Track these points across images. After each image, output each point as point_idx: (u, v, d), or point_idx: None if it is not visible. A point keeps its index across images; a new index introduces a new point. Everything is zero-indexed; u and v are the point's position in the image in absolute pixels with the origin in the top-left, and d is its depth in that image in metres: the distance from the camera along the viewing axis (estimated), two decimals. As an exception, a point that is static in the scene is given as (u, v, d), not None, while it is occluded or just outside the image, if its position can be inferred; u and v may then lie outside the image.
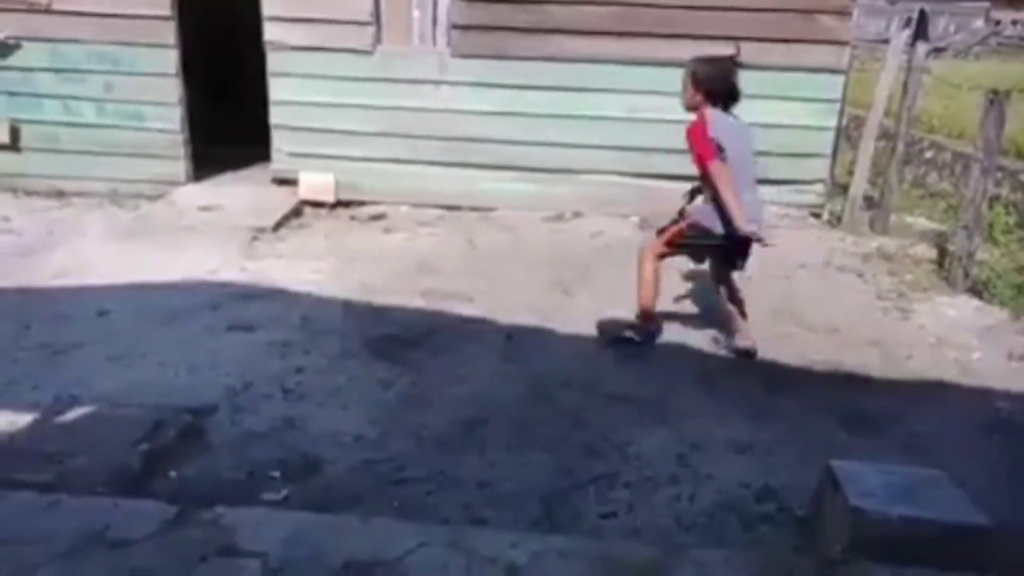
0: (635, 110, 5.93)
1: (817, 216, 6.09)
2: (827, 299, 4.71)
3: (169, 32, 5.89)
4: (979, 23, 16.45)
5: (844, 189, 6.16)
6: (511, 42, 5.87)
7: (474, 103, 5.98)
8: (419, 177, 6.10)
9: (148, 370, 3.55)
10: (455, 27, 5.88)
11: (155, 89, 6.00)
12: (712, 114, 3.60)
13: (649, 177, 6.06)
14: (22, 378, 3.41)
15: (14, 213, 5.71)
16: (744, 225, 3.53)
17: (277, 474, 2.87)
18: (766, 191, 6.05)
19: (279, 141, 6.14)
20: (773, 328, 4.26)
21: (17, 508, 2.45)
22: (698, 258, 3.99)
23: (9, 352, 3.65)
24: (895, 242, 5.62)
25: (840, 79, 5.85)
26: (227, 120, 6.43)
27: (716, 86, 3.61)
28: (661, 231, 3.87)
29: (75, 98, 6.06)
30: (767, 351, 3.95)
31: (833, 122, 5.94)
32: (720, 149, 3.52)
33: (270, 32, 5.91)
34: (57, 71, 6.00)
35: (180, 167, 6.22)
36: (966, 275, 4.87)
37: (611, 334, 3.97)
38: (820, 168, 6.04)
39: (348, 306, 4.35)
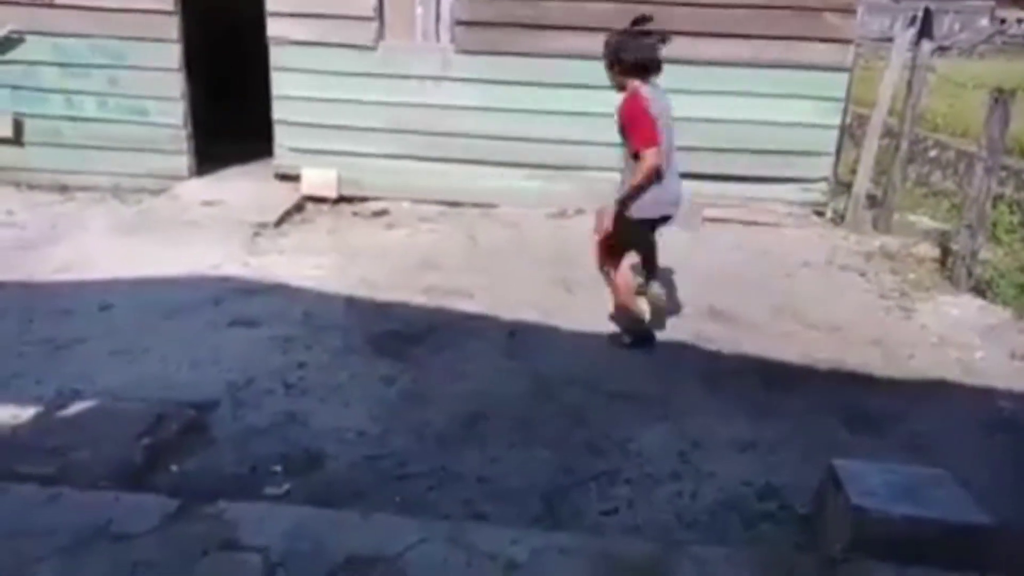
0: (638, 107, 5.91)
1: (820, 214, 6.08)
2: (830, 298, 4.70)
3: (172, 27, 5.89)
4: (984, 22, 16.38)
5: (847, 187, 6.14)
6: (514, 38, 5.86)
7: (477, 99, 5.97)
8: (421, 173, 6.10)
9: (150, 365, 3.56)
10: (458, 23, 5.87)
11: (158, 84, 6.00)
12: (646, 89, 3.48)
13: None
14: (25, 372, 3.42)
15: (17, 207, 5.71)
16: (635, 213, 3.55)
17: (279, 469, 2.88)
18: (770, 188, 6.13)
19: (281, 136, 6.14)
20: (776, 326, 4.25)
21: (19, 501, 2.46)
22: (643, 247, 3.85)
23: (12, 346, 3.65)
24: (898, 241, 5.60)
25: (844, 77, 5.83)
26: (230, 115, 6.43)
27: (644, 55, 3.44)
28: (602, 234, 3.74)
29: (78, 92, 6.06)
30: (769, 350, 3.95)
31: (837, 120, 5.93)
32: (657, 130, 3.42)
33: (273, 27, 5.90)
34: (60, 65, 6.00)
35: (183, 162, 6.22)
36: (969, 274, 4.86)
37: (614, 343, 3.95)
38: (823, 166, 6.02)
39: (350, 302, 4.35)
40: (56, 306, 4.06)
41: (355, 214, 5.99)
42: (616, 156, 6.00)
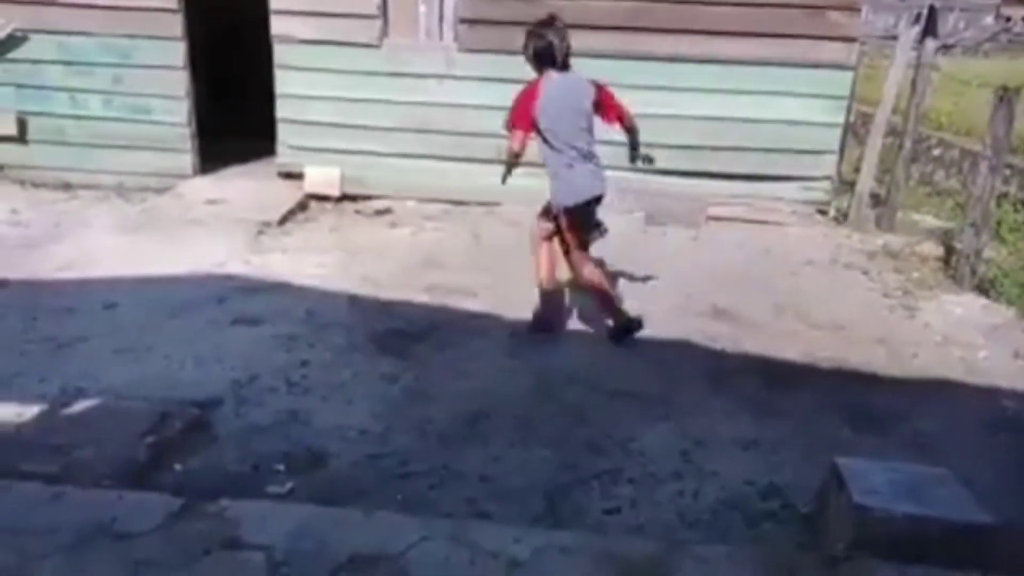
0: (641, 105, 5.87)
1: (824, 213, 6.06)
2: (833, 296, 4.69)
3: (176, 25, 5.89)
4: (989, 20, 16.32)
5: (851, 186, 6.12)
6: (517, 37, 5.81)
7: (480, 98, 5.95)
8: (425, 171, 6.10)
9: (154, 363, 3.57)
10: (462, 21, 5.86)
11: (162, 82, 6.01)
12: (546, 79, 3.61)
13: (654, 173, 6.02)
14: (29, 370, 3.43)
15: (22, 205, 5.73)
16: (560, 203, 3.66)
17: (282, 467, 2.88)
18: (774, 187, 6.11)
19: (285, 135, 6.14)
20: (779, 325, 4.25)
21: (23, 499, 2.46)
22: (590, 231, 3.91)
23: (16, 344, 3.66)
24: (902, 240, 5.59)
25: (848, 75, 5.81)
26: (232, 114, 6.43)
27: (538, 48, 3.62)
28: (561, 238, 3.87)
29: (82, 91, 6.06)
30: (772, 348, 3.94)
31: (841, 119, 5.91)
32: (533, 119, 3.56)
33: (277, 26, 5.90)
34: (65, 64, 6.01)
35: (187, 160, 6.23)
36: (973, 273, 4.85)
37: (614, 337, 3.96)
38: (827, 165, 6.00)
39: (353, 300, 4.35)
40: (60, 304, 4.07)
41: (358, 212, 6.00)
42: (620, 155, 6.05)
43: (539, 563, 2.25)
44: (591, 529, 2.58)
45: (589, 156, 3.73)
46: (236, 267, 4.76)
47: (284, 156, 6.22)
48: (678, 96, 5.84)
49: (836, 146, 5.97)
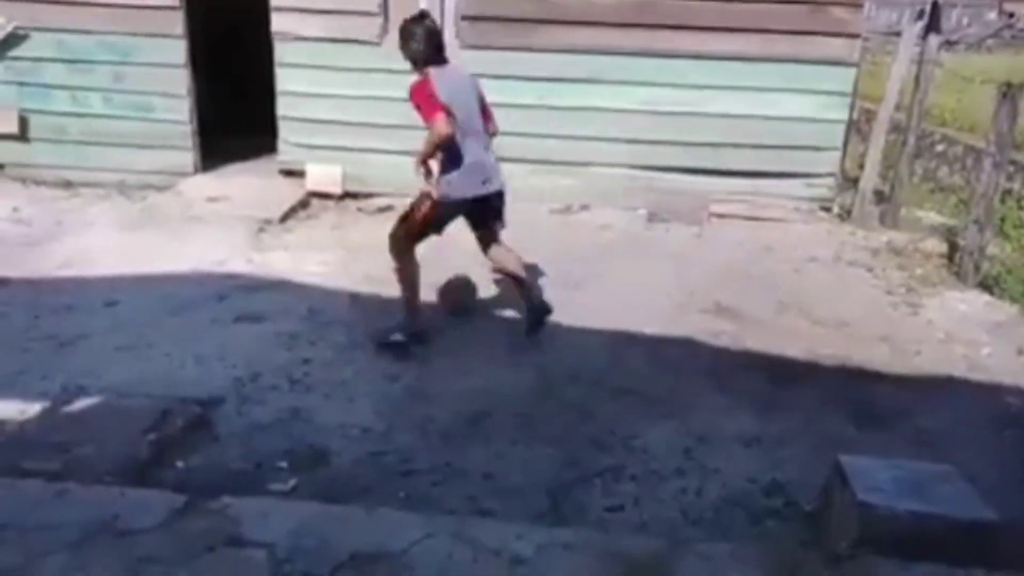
0: (644, 102, 5.90)
1: (827, 210, 6.04)
2: (836, 294, 4.68)
3: (177, 22, 5.88)
4: (992, 15, 16.28)
5: (854, 183, 6.11)
6: (519, 33, 5.84)
7: (481, 95, 5.95)
8: (426, 169, 6.08)
9: (155, 361, 3.56)
10: (463, 18, 5.85)
11: (163, 80, 6.00)
12: (432, 72, 3.53)
13: (657, 170, 6.03)
14: (31, 368, 3.43)
15: (23, 203, 5.73)
16: (435, 190, 3.54)
17: (284, 465, 2.88)
18: (776, 184, 6.10)
19: (286, 132, 6.13)
20: (782, 322, 4.23)
21: (26, 497, 2.46)
22: (440, 230, 3.79)
23: (18, 342, 3.66)
24: (905, 236, 5.56)
25: (851, 72, 5.79)
26: (233, 111, 6.42)
27: (421, 48, 3.53)
28: (404, 218, 3.70)
29: (83, 88, 6.06)
30: (776, 345, 3.93)
31: (844, 115, 5.89)
32: (445, 105, 3.45)
33: (278, 23, 5.89)
34: (66, 61, 6.01)
35: (188, 158, 6.22)
36: (976, 270, 4.83)
37: (379, 340, 3.74)
38: (830, 161, 5.99)
39: (355, 298, 4.35)
40: (61, 302, 4.07)
41: (360, 210, 5.99)
42: (623, 152, 6.06)
43: (542, 560, 2.24)
44: (594, 526, 2.57)
45: (488, 148, 3.67)
46: (237, 265, 4.76)
47: (285, 154, 6.21)
48: (681, 93, 5.83)
49: (839, 143, 5.95)
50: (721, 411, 3.34)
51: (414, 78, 3.58)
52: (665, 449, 3.05)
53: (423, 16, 3.60)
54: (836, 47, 5.71)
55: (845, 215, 5.97)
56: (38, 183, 6.16)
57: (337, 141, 6.03)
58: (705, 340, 3.99)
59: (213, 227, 5.31)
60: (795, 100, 5.77)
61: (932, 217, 6.04)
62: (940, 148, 7.74)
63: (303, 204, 5.96)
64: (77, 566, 2.18)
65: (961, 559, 2.25)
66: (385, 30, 5.91)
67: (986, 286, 4.77)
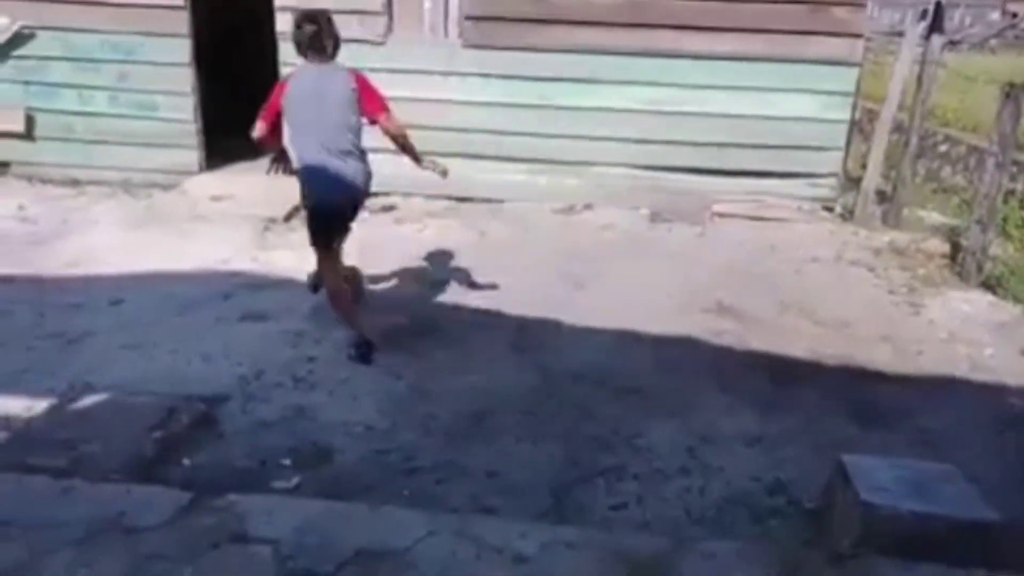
0: (646, 102, 5.90)
1: (829, 210, 6.04)
2: (838, 293, 4.68)
3: (182, 22, 5.90)
4: (995, 16, 16.24)
5: (857, 183, 6.11)
6: (522, 33, 5.84)
7: (485, 94, 5.96)
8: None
9: (161, 358, 3.58)
10: (467, 18, 5.86)
11: (169, 79, 6.02)
12: (300, 70, 3.48)
13: (660, 169, 6.03)
14: (37, 366, 3.44)
15: (29, 201, 5.75)
16: (305, 202, 3.46)
17: (288, 462, 2.89)
18: (779, 184, 6.09)
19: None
20: (784, 322, 4.24)
21: (32, 493, 2.48)
22: (329, 238, 3.63)
23: (25, 340, 3.68)
24: (907, 236, 5.56)
25: (854, 72, 5.79)
26: (234, 111, 6.42)
27: (295, 39, 3.47)
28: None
29: (89, 87, 6.08)
30: (778, 345, 3.93)
31: (846, 115, 5.89)
32: (278, 105, 3.42)
33: (282, 22, 5.90)
34: (72, 60, 6.03)
35: (193, 157, 6.24)
36: (979, 270, 4.83)
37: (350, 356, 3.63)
38: (832, 161, 5.99)
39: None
40: (67, 300, 4.09)
41: (363, 209, 5.98)
42: (626, 152, 6.06)
43: (545, 558, 2.26)
44: (597, 525, 2.58)
45: (347, 153, 3.46)
46: (242, 263, 4.77)
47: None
48: (683, 93, 5.83)
49: (842, 143, 5.95)
50: (723, 410, 3.34)
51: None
52: (668, 448, 3.06)
53: (314, 14, 3.47)
54: (838, 47, 5.71)
55: (847, 215, 5.97)
56: (44, 181, 6.18)
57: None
58: (707, 339, 3.99)
59: (218, 226, 5.33)
60: (797, 100, 5.77)
61: (934, 217, 6.04)
62: (943, 148, 7.73)
63: (307, 203, 5.97)
64: (83, 563, 2.19)
65: (963, 559, 2.26)
66: (389, 29, 5.93)
67: (989, 286, 4.77)
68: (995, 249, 5.01)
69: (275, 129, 3.55)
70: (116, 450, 2.83)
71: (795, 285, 4.77)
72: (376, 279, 4.58)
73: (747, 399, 3.43)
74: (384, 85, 5.89)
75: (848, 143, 6.03)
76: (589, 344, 3.90)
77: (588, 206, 6.05)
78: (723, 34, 5.72)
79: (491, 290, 4.45)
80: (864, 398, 3.49)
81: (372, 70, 5.90)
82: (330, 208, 3.53)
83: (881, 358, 3.89)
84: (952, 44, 10.28)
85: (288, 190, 6.00)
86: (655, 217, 5.89)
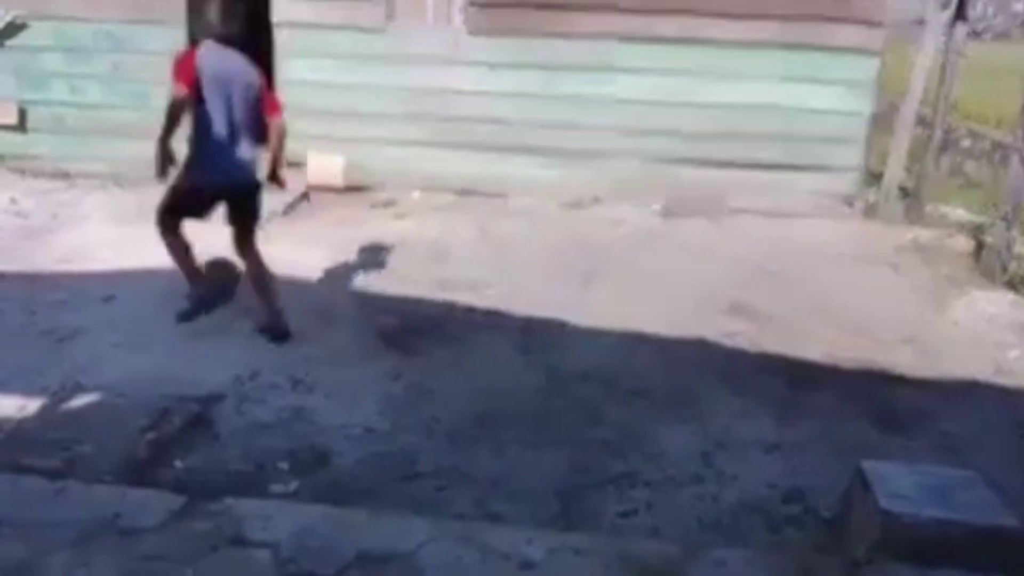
0: (659, 91, 5.76)
1: (850, 205, 5.90)
2: (858, 292, 4.56)
3: (177, 9, 5.79)
4: (1019, 6, 15.96)
5: (878, 178, 5.97)
6: (529, 20, 5.71)
7: (489, 83, 5.83)
8: (431, 160, 5.97)
9: (153, 357, 3.49)
10: (470, 4, 5.73)
11: (162, 69, 5.85)
12: (205, 49, 3.42)
13: (671, 162, 5.89)
14: (29, 364, 3.37)
15: (20, 194, 5.68)
16: (189, 179, 3.38)
17: (285, 466, 2.81)
18: (798, 178, 5.95)
19: (288, 122, 6.03)
20: (802, 322, 4.12)
21: (27, 493, 2.44)
22: (199, 213, 3.65)
23: (15, 337, 3.61)
24: (930, 233, 5.44)
25: (874, 62, 5.64)
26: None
27: (205, 23, 3.47)
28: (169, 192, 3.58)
29: (81, 78, 5.99)
30: (795, 347, 3.82)
31: (867, 107, 5.74)
32: (197, 84, 3.34)
33: (279, 10, 5.79)
34: (64, 51, 5.95)
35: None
36: (1004, 268, 4.71)
37: (185, 315, 3.69)
38: (853, 155, 5.84)
39: (357, 295, 4.27)
40: (58, 297, 4.01)
41: (363, 203, 5.90)
42: (637, 143, 5.93)
43: (552, 565, 2.20)
44: (606, 532, 2.51)
45: (246, 138, 3.52)
46: (238, 259, 4.67)
47: (287, 145, 6.11)
48: (696, 82, 5.70)
49: (862, 136, 5.81)
50: (738, 414, 3.24)
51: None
52: (680, 453, 2.97)
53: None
54: (858, 36, 5.58)
55: (868, 211, 5.83)
56: (36, 174, 6.11)
57: (340, 132, 5.93)
58: (721, 340, 3.89)
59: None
60: (816, 91, 5.63)
61: (958, 213, 5.90)
62: (967, 143, 7.58)
63: (306, 197, 5.88)
64: (81, 563, 2.16)
65: (983, 566, 2.21)
66: (390, 16, 5.81)
67: (1013, 285, 4.65)
68: (1020, 247, 4.90)
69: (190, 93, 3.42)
70: (108, 451, 2.78)
71: (813, 284, 4.64)
72: (376, 277, 4.49)
73: (763, 403, 3.33)
74: (384, 74, 5.86)
75: (869, 136, 5.88)
76: (597, 344, 3.80)
77: (597, 200, 5.93)
78: (738, 21, 5.57)
79: (495, 288, 4.35)
80: (884, 402, 3.40)
81: (372, 58, 5.86)
82: (215, 189, 3.53)
83: (903, 360, 3.78)
84: (975, 34, 10.07)
85: (288, 185, 5.95)
86: (667, 212, 5.76)
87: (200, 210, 3.61)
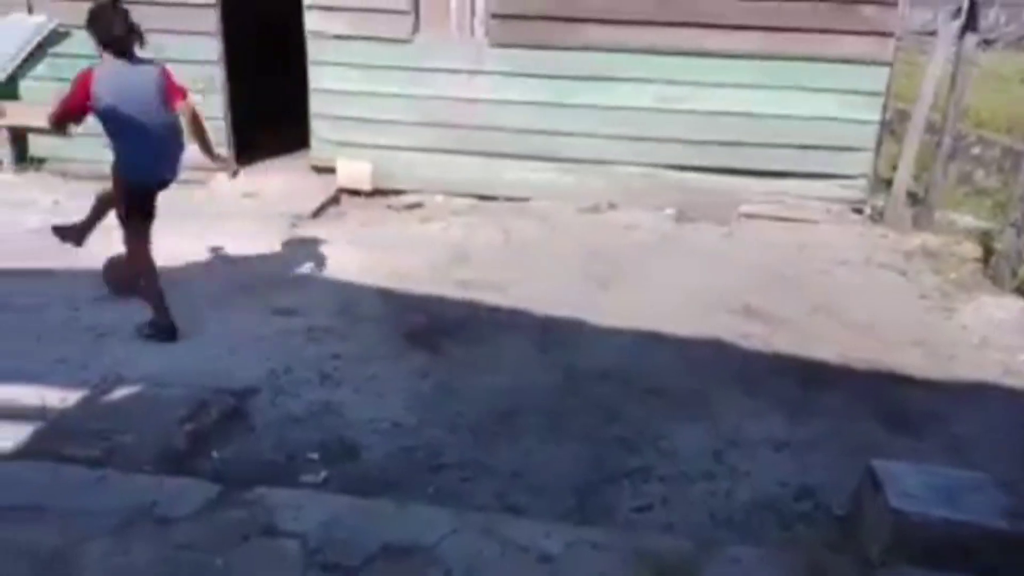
0: (672, 100, 5.86)
1: (859, 211, 5.95)
2: (868, 297, 4.61)
3: (212, 20, 5.97)
4: (1032, 14, 15.82)
5: (887, 184, 6.01)
6: (549, 31, 5.84)
7: (510, 92, 5.96)
8: (455, 166, 6.11)
9: (191, 351, 3.63)
10: (493, 16, 5.86)
11: (198, 76, 6.08)
12: (105, 67, 3.51)
13: (686, 169, 5.99)
14: (71, 357, 3.51)
15: (64, 197, 5.84)
16: (122, 173, 3.57)
17: (316, 457, 2.92)
18: (808, 185, 6.02)
19: (318, 129, 6.20)
20: (813, 325, 4.18)
21: (68, 482, 2.54)
22: (151, 212, 3.85)
23: (59, 332, 3.75)
24: (939, 239, 5.47)
25: (884, 71, 5.69)
26: (266, 109, 6.50)
27: (101, 36, 3.49)
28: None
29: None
30: (806, 348, 3.89)
31: (877, 115, 5.79)
32: (89, 99, 3.48)
33: (311, 21, 5.96)
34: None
35: (223, 153, 6.30)
36: (1013, 274, 4.73)
37: (143, 333, 3.75)
38: (863, 162, 5.90)
39: (384, 294, 4.38)
40: (100, 294, 4.16)
41: (389, 207, 6.03)
42: (652, 151, 6.02)
43: (569, 558, 2.26)
44: (621, 526, 2.58)
45: (161, 138, 3.65)
46: (270, 260, 4.82)
47: (317, 150, 6.28)
48: (709, 91, 5.79)
49: (872, 143, 5.86)
50: (751, 414, 3.31)
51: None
52: (694, 451, 3.04)
53: (114, 3, 3.54)
54: (868, 46, 5.63)
55: (878, 217, 5.87)
56: (78, 178, 6.29)
57: (368, 138, 6.09)
58: (734, 342, 3.96)
59: (246, 222, 5.39)
60: (827, 99, 5.69)
61: (967, 220, 5.92)
62: (976, 150, 7.58)
63: (334, 200, 6.03)
64: (121, 551, 2.24)
65: (993, 568, 2.23)
66: (416, 28, 5.96)
67: (1022, 291, 4.67)
68: (1030, 253, 4.90)
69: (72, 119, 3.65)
70: (148, 442, 2.87)
71: (824, 287, 4.71)
72: (402, 278, 4.61)
73: (774, 403, 3.40)
74: (410, 83, 6.00)
75: (879, 144, 5.93)
76: (614, 344, 3.89)
77: (613, 205, 6.03)
78: (750, 32, 5.66)
79: (516, 289, 4.46)
80: (894, 403, 3.45)
81: (399, 69, 6.00)
82: (152, 186, 3.74)
83: (912, 363, 3.83)
84: (987, 43, 10.07)
85: (315, 188, 6.12)
86: (681, 217, 5.85)
87: (151, 208, 3.83)
